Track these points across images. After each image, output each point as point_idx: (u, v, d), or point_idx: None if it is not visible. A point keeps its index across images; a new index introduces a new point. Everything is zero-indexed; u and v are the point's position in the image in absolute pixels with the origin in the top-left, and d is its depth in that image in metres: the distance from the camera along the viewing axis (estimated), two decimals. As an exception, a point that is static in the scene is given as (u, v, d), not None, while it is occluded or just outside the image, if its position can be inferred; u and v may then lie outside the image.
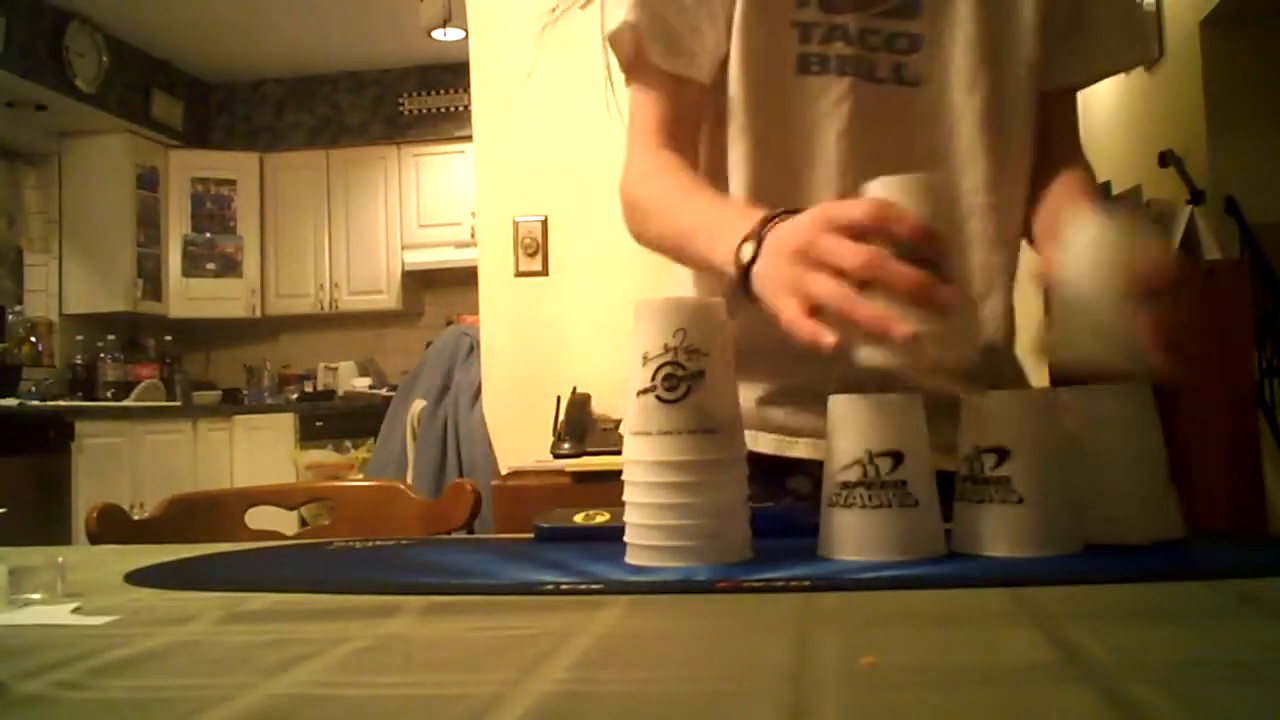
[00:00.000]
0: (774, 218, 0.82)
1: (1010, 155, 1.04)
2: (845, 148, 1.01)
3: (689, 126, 1.06)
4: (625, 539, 0.79)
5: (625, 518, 0.79)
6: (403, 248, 6.63)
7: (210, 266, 6.56)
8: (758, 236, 0.81)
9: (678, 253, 1.00)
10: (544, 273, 3.07)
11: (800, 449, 1.05)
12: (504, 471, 2.62)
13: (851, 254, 0.71)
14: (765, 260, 0.79)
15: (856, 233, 0.73)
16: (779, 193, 0.97)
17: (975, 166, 1.03)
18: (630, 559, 0.79)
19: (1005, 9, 1.02)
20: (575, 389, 2.77)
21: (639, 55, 1.04)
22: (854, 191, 0.82)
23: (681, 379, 0.75)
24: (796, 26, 1.01)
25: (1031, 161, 1.06)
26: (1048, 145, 1.07)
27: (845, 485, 0.77)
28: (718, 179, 1.05)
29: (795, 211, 0.80)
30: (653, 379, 0.76)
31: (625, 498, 0.78)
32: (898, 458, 0.76)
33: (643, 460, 0.77)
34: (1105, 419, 0.81)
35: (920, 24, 1.01)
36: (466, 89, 3.27)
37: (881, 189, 0.76)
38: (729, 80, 1.03)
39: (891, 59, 1.01)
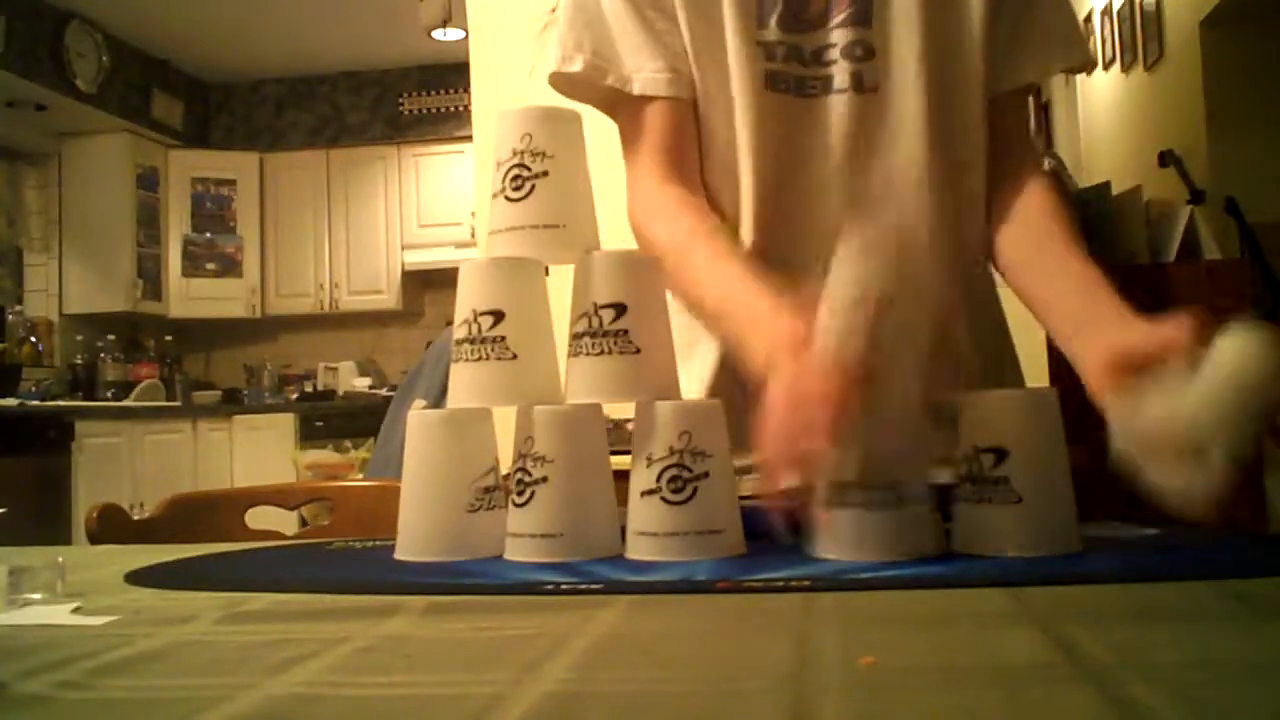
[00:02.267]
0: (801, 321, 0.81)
1: (960, 153, 1.06)
2: (833, 163, 1.04)
3: (688, 150, 1.09)
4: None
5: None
6: (403, 248, 6.62)
7: (210, 266, 6.56)
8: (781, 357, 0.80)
9: (702, 319, 1.04)
10: (544, 273, 3.07)
11: None
12: (504, 471, 2.62)
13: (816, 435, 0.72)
14: (773, 393, 0.77)
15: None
16: (781, 219, 1.04)
17: (921, 166, 1.04)
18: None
19: (952, 14, 1.05)
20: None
21: (610, 90, 1.09)
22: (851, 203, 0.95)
23: None
24: (761, 46, 1.04)
25: (986, 158, 1.08)
26: (1001, 148, 1.09)
27: (844, 485, 0.77)
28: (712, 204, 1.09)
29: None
30: None
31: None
32: (898, 458, 0.76)
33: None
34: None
35: (873, 32, 1.04)
36: (466, 89, 3.27)
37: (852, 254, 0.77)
38: (702, 104, 1.05)
39: (849, 67, 1.04)
